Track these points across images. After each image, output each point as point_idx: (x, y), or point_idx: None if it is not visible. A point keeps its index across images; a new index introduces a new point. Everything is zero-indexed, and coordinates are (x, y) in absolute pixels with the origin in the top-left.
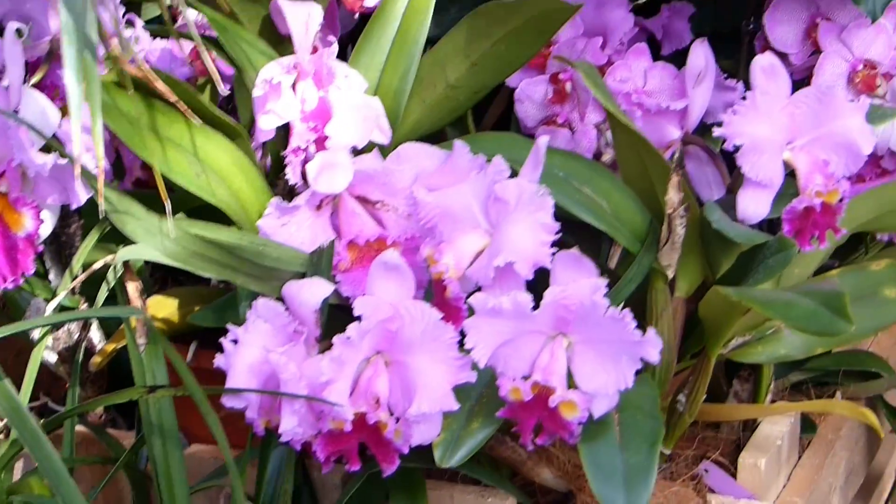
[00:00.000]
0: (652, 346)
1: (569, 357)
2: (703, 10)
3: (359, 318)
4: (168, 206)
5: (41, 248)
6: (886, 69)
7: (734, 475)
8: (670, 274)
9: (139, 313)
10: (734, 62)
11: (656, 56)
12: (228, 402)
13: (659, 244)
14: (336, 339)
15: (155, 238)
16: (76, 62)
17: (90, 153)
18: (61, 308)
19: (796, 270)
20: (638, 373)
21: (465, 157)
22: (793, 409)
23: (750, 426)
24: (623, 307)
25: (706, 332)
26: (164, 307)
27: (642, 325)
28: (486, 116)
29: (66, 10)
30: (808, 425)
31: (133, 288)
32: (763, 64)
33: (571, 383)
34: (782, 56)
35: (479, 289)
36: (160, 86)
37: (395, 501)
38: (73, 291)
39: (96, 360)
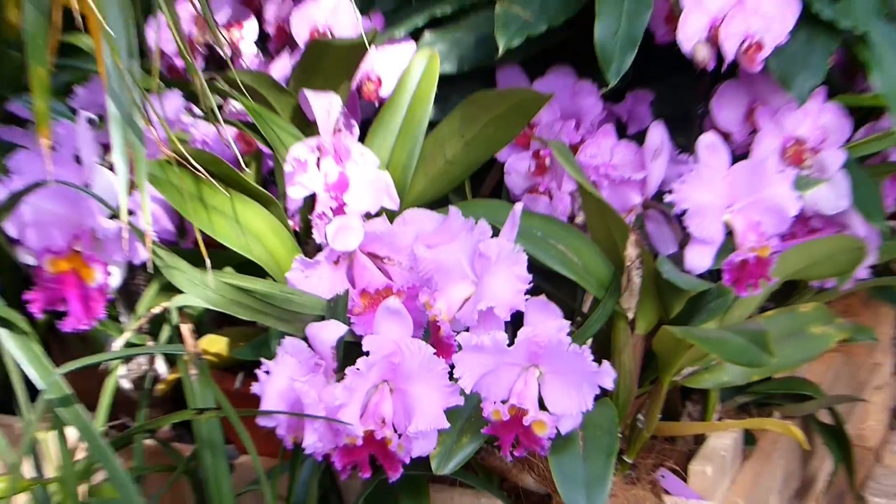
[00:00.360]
0: (607, 376)
1: (540, 384)
2: (661, 96)
3: (367, 353)
4: (208, 262)
5: (112, 296)
6: (812, 144)
7: (686, 480)
8: (630, 315)
9: (188, 351)
10: (688, 140)
11: (623, 134)
12: (262, 421)
13: (620, 291)
14: (348, 370)
15: (198, 288)
16: (122, 146)
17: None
18: (130, 345)
19: (737, 312)
20: (597, 398)
21: (458, 220)
22: (735, 426)
23: (700, 440)
24: (592, 343)
25: (659, 363)
26: (217, 344)
27: (609, 358)
28: (483, 186)
29: (112, 104)
30: (749, 439)
31: (186, 329)
32: (706, 142)
33: (543, 406)
34: (726, 135)
35: (467, 329)
36: (195, 164)
37: (403, 502)
38: (140, 331)
39: (161, 387)
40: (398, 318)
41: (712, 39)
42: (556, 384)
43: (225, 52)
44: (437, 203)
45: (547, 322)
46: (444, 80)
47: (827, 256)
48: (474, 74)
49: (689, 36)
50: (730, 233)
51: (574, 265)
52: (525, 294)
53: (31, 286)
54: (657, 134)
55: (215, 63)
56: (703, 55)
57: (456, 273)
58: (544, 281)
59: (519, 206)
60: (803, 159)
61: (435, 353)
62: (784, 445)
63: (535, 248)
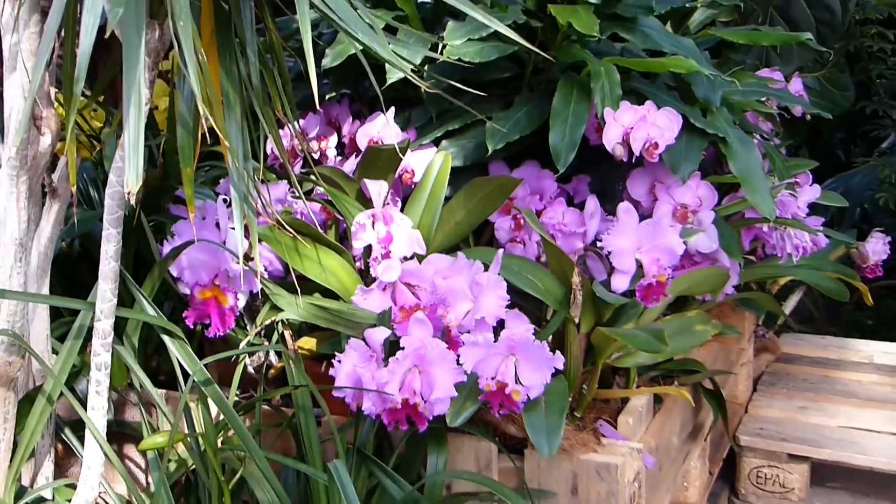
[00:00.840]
0: (559, 362)
1: (516, 367)
2: (595, 178)
3: (402, 348)
4: (298, 290)
5: (239, 313)
6: (693, 208)
7: (616, 427)
8: (577, 320)
9: (288, 348)
10: (613, 207)
11: (571, 203)
12: (336, 394)
13: (569, 305)
14: (390, 359)
15: (293, 307)
16: (240, 217)
17: (260, 263)
18: (252, 345)
19: (647, 317)
20: (554, 375)
21: (463, 261)
22: (647, 392)
23: (625, 402)
24: (552, 339)
25: (596, 352)
26: (308, 343)
27: (562, 349)
28: (482, 238)
29: (234, 190)
30: (658, 400)
31: (287, 334)
32: (623, 208)
33: (519, 381)
34: (637, 203)
35: (468, 331)
36: (290, 228)
37: (430, 445)
38: (259, 335)
39: (272, 371)
40: (423, 325)
41: (625, 142)
42: (526, 366)
43: (312, 156)
44: (451, 250)
45: (519, 326)
46: (454, 170)
47: (703, 280)
48: (474, 167)
49: (611, 140)
50: (640, 266)
51: (539, 288)
52: (506, 307)
53: (186, 307)
54: (592, 203)
55: (312, 162)
56: (620, 152)
57: (461, 295)
58: (521, 299)
59: (500, 252)
60: (687, 217)
61: (448, 347)
62: (681, 404)
63: (513, 277)
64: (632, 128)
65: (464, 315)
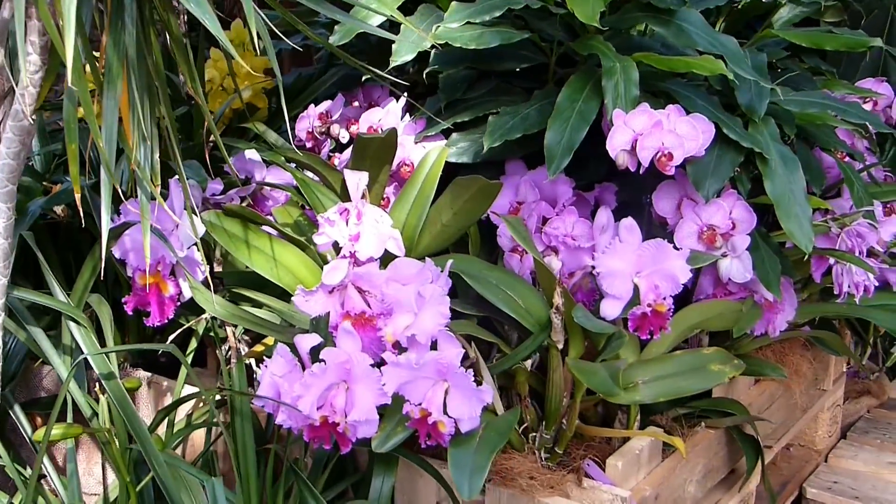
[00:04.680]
0: (486, 394)
1: (446, 395)
2: (622, 187)
3: (322, 361)
4: (211, 286)
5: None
6: (724, 231)
7: (604, 470)
8: (560, 346)
9: (232, 346)
10: (639, 219)
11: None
12: (256, 403)
13: (551, 329)
14: (306, 371)
15: (210, 306)
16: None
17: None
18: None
19: (653, 349)
20: (485, 409)
21: (430, 268)
22: (628, 434)
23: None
24: (532, 364)
25: (575, 384)
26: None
27: (546, 377)
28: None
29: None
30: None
31: (230, 331)
32: (625, 224)
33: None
34: (664, 220)
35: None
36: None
37: (377, 466)
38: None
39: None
40: (352, 337)
41: (634, 149)
42: (455, 396)
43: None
44: (440, 253)
45: (450, 349)
46: (465, 168)
47: (717, 315)
48: (487, 164)
49: (615, 145)
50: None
51: (517, 307)
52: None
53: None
54: (604, 215)
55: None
56: (623, 160)
57: (405, 307)
58: (497, 314)
59: (450, 261)
60: (715, 241)
61: (371, 364)
62: (705, 445)
63: (487, 291)
64: (642, 133)
65: (402, 329)
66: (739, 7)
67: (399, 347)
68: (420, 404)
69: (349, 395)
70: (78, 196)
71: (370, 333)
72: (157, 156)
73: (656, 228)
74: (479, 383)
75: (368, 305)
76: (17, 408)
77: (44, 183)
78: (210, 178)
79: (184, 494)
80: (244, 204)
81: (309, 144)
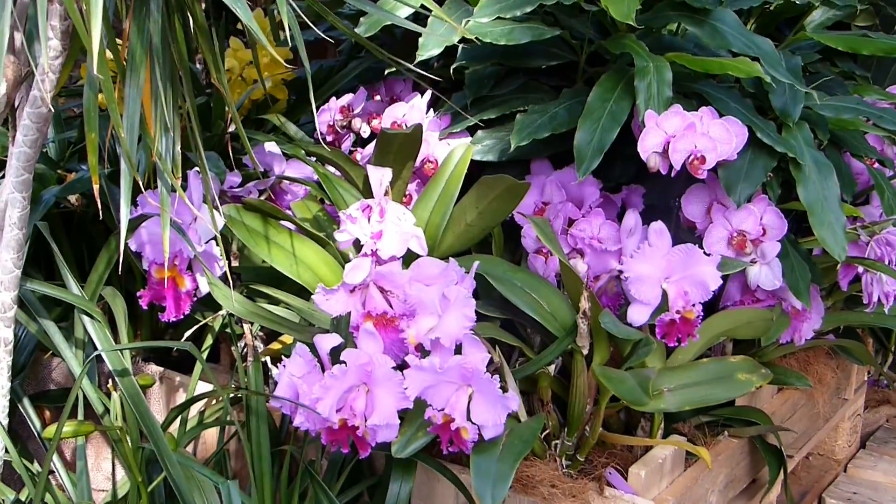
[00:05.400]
0: (512, 401)
1: (470, 400)
2: (651, 190)
3: (343, 362)
4: (231, 282)
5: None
6: (754, 237)
7: (626, 479)
8: (585, 351)
9: (248, 343)
10: (668, 223)
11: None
12: (273, 404)
13: (576, 333)
14: (326, 373)
15: (228, 303)
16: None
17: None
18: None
19: (679, 356)
20: (510, 416)
21: (454, 268)
22: (651, 442)
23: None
24: (555, 369)
25: (600, 390)
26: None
27: (570, 382)
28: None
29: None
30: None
31: (247, 328)
32: (655, 228)
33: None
34: (692, 224)
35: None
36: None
37: (395, 470)
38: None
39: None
40: (373, 338)
41: (666, 152)
42: (480, 402)
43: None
44: (463, 253)
45: (475, 353)
46: (492, 166)
47: (746, 323)
48: (513, 163)
49: (647, 147)
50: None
51: (542, 310)
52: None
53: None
54: (632, 218)
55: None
56: (655, 163)
57: (429, 308)
58: (521, 317)
59: (477, 262)
60: (745, 247)
61: (393, 367)
62: (728, 454)
63: (511, 293)
64: (674, 136)
65: (426, 332)
66: (771, 9)
67: (422, 350)
68: (443, 409)
69: (369, 398)
70: (96, 187)
71: (392, 335)
72: (178, 147)
73: (684, 232)
74: (504, 389)
75: (390, 306)
76: (25, 400)
77: (58, 171)
78: (229, 170)
79: (196, 495)
80: (263, 198)
81: (329, 138)
